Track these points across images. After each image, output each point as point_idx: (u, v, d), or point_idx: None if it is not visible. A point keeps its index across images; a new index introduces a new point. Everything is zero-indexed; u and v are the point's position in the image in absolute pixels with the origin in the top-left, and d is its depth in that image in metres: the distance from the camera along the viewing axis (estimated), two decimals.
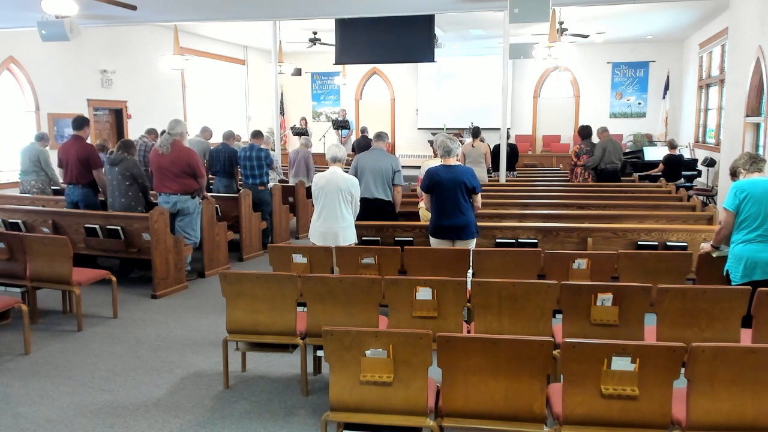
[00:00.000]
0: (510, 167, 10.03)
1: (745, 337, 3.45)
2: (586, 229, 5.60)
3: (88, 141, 7.14)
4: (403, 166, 6.18)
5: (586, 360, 2.59)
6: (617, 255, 4.39)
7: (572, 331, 3.48)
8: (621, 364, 2.56)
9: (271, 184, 8.37)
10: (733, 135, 7.13)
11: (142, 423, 3.58)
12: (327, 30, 12.39)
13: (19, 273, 5.27)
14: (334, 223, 5.12)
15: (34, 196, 7.89)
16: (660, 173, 10.29)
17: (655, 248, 5.30)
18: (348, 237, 5.17)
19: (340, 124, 14.63)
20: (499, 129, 9.21)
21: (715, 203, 9.40)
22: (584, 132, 9.34)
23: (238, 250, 7.68)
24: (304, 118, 15.89)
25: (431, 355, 2.74)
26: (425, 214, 5.71)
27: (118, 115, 12.27)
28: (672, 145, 10.52)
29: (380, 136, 6.23)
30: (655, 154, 12.12)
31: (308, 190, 8.03)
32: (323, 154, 6.54)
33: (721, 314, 3.39)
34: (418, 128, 17.28)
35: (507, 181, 9.33)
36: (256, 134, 8.18)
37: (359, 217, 5.49)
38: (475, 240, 5.09)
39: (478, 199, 5.08)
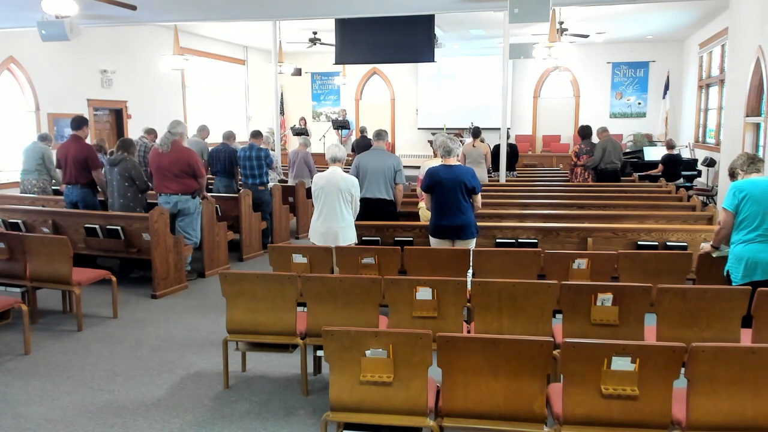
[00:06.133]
0: (510, 167, 10.03)
1: (745, 337, 3.45)
2: (586, 229, 5.60)
3: (87, 141, 7.14)
4: (403, 166, 6.18)
5: (586, 360, 2.59)
6: (617, 255, 4.39)
7: (572, 331, 3.49)
8: (621, 364, 2.56)
9: (271, 184, 8.38)
10: (733, 135, 7.13)
11: (142, 423, 3.58)
12: (327, 30, 12.38)
13: (19, 273, 5.27)
14: (334, 223, 5.12)
15: (34, 196, 7.89)
16: (660, 173, 10.29)
17: (655, 248, 5.30)
18: (348, 237, 5.17)
19: (340, 124, 14.63)
20: (499, 129, 9.22)
21: (715, 203, 9.40)
22: (584, 132, 9.34)
23: (238, 250, 7.68)
24: (303, 118, 15.90)
25: (431, 355, 2.74)
26: (425, 214, 5.71)
27: (118, 115, 12.27)
28: (670, 145, 10.53)
29: (380, 135, 6.22)
30: (655, 154, 12.13)
31: (308, 190, 8.03)
32: (323, 154, 6.54)
33: (721, 314, 3.39)
34: (418, 128, 17.28)
35: (507, 181, 9.33)
36: (256, 134, 8.18)
37: (360, 217, 5.49)
38: (475, 240, 5.10)
39: (478, 199, 5.09)
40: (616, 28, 13.44)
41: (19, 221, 6.69)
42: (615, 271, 4.38)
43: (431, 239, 5.16)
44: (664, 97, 15.18)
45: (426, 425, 2.77)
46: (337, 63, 11.26)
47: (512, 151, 10.39)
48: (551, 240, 5.56)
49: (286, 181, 9.68)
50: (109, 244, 6.25)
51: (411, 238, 5.66)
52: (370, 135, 8.25)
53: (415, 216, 6.29)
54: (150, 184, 6.90)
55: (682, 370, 2.58)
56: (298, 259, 4.62)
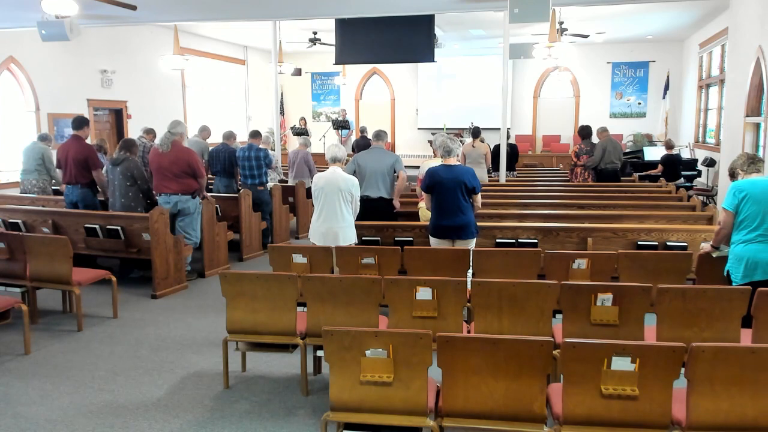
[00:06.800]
0: (510, 167, 10.03)
1: (745, 337, 3.46)
2: (586, 229, 5.60)
3: (88, 141, 7.14)
4: (404, 166, 6.20)
5: (586, 360, 2.59)
6: (617, 255, 4.39)
7: (572, 331, 3.49)
8: (621, 364, 2.56)
9: (271, 184, 8.38)
10: (733, 135, 7.13)
11: (142, 423, 3.58)
12: (327, 30, 12.39)
13: (19, 273, 5.27)
14: (334, 223, 5.12)
15: (34, 196, 7.89)
16: (659, 173, 10.29)
17: (655, 248, 5.30)
18: (348, 237, 5.17)
19: (340, 124, 14.63)
20: (499, 129, 9.22)
21: (715, 203, 9.40)
22: (584, 132, 9.34)
23: (238, 250, 7.68)
24: (303, 118, 15.89)
25: (431, 355, 2.74)
26: (425, 214, 5.72)
27: (118, 115, 12.27)
28: (669, 145, 10.52)
29: (379, 135, 6.26)
30: (655, 154, 12.12)
31: (308, 190, 8.04)
32: (323, 154, 6.55)
33: (721, 314, 3.39)
34: (418, 128, 17.28)
35: (507, 181, 9.33)
36: (255, 134, 8.19)
37: (360, 217, 5.49)
38: (474, 240, 5.10)
39: (478, 199, 5.09)
40: (616, 28, 13.44)
41: (19, 221, 6.69)
42: (615, 271, 4.38)
43: (431, 239, 5.16)
44: (664, 97, 15.17)
45: (426, 425, 2.77)
46: (337, 63, 11.26)
47: (512, 151, 10.39)
48: (551, 240, 5.56)
49: (286, 181, 9.68)
50: (109, 244, 6.25)
51: (411, 238, 5.66)
52: (370, 135, 8.26)
53: (415, 216, 6.29)
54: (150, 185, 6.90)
55: (682, 370, 2.58)
56: (298, 259, 4.62)
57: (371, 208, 5.93)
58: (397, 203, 6.21)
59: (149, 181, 6.89)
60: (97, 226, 6.23)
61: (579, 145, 9.40)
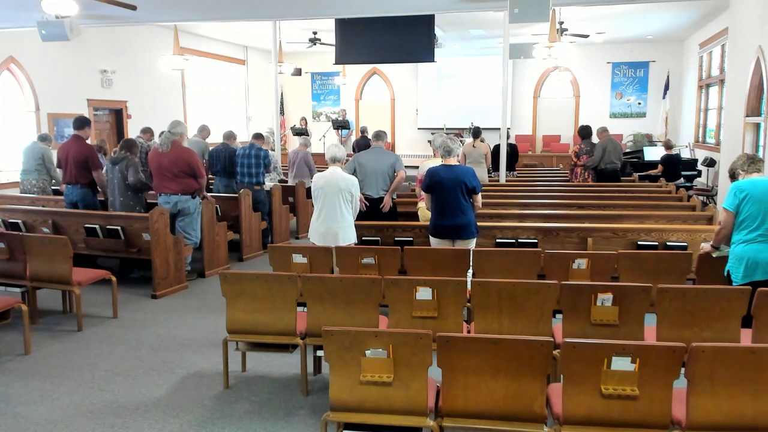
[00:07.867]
0: (510, 167, 10.03)
1: (745, 337, 3.46)
2: (586, 229, 5.60)
3: (89, 141, 7.15)
4: (404, 166, 6.21)
5: (586, 360, 2.59)
6: (617, 255, 4.39)
7: (572, 331, 3.49)
8: (621, 364, 2.56)
9: (271, 184, 8.38)
10: (733, 135, 7.13)
11: (142, 423, 3.58)
12: (327, 30, 12.39)
13: (19, 273, 5.27)
14: (333, 223, 5.12)
15: (34, 196, 7.89)
16: (659, 173, 10.29)
17: (655, 248, 5.30)
18: (348, 237, 5.17)
19: (340, 124, 14.63)
20: (499, 129, 9.22)
21: (715, 203, 9.40)
22: (584, 132, 9.34)
23: (238, 250, 7.68)
24: (304, 118, 15.89)
25: (431, 355, 2.74)
26: (425, 214, 5.72)
27: (118, 115, 12.27)
28: (668, 145, 10.52)
29: (379, 135, 6.28)
30: (655, 154, 12.12)
31: (308, 190, 8.03)
32: (323, 154, 6.56)
33: (721, 314, 3.39)
34: (418, 128, 17.28)
35: (507, 181, 9.33)
36: (258, 136, 8.22)
37: (360, 217, 5.49)
38: (475, 240, 5.10)
39: (479, 199, 5.09)
40: (616, 28, 13.44)
41: (19, 221, 6.69)
42: (615, 271, 4.38)
43: (431, 239, 5.16)
44: (664, 97, 15.17)
45: (426, 425, 2.77)
46: (337, 63, 11.26)
47: (512, 151, 10.39)
48: (551, 240, 5.56)
49: (286, 181, 9.68)
50: (109, 244, 6.25)
51: (411, 238, 5.66)
52: (370, 135, 8.29)
53: (415, 216, 6.29)
54: (146, 183, 6.89)
55: (682, 370, 2.58)
56: (298, 259, 4.62)
57: (372, 208, 5.93)
58: (388, 201, 6.06)
59: (149, 180, 6.89)
60: (97, 226, 6.23)
61: (579, 145, 9.40)
